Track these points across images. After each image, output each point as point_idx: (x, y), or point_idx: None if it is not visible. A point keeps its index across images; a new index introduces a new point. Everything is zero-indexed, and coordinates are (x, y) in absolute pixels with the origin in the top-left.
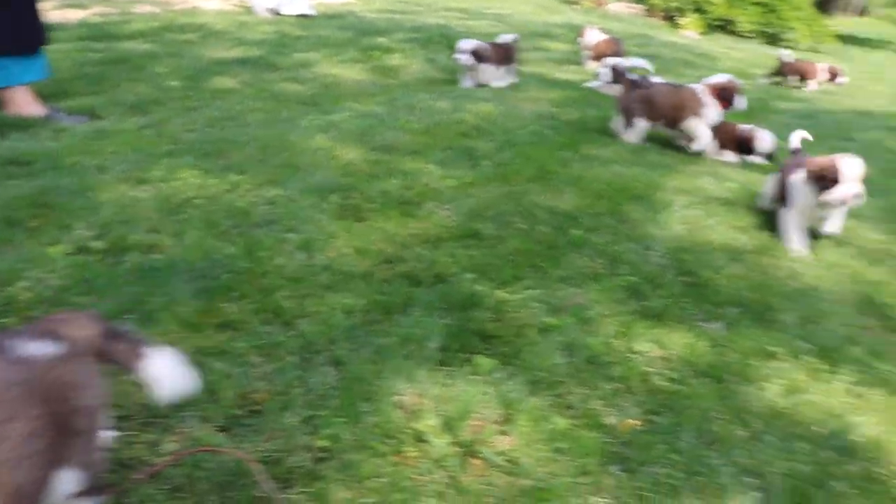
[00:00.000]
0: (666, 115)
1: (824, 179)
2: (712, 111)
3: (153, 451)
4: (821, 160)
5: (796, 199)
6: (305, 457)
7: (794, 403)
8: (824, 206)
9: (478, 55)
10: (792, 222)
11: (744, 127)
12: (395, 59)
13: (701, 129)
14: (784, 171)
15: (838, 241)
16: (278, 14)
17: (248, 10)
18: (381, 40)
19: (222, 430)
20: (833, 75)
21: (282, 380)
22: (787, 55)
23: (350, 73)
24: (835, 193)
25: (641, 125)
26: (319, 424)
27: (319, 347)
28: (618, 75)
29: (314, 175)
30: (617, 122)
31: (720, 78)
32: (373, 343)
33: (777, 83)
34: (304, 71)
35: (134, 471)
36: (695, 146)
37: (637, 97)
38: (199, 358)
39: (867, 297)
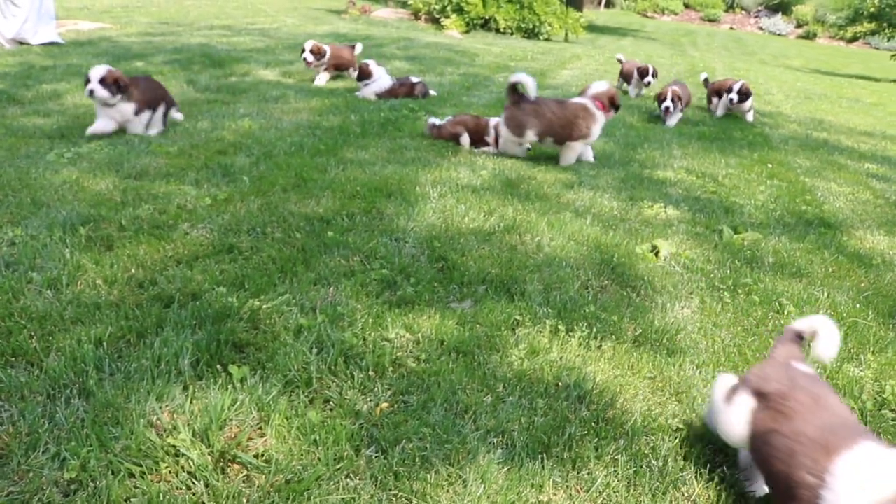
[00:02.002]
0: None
1: None
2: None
3: None
4: None
5: None
6: (54, 492)
7: (535, 364)
8: None
9: (112, 85)
10: None
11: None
12: None
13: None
14: None
15: (579, 211)
16: (23, 44)
17: None
18: (139, 65)
19: None
20: (641, 75)
21: (27, 420)
22: (621, 57)
23: None
24: None
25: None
26: (67, 457)
27: (67, 382)
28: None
29: (60, 210)
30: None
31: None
32: (124, 369)
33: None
34: (51, 103)
35: None
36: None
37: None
38: None
39: (604, 260)
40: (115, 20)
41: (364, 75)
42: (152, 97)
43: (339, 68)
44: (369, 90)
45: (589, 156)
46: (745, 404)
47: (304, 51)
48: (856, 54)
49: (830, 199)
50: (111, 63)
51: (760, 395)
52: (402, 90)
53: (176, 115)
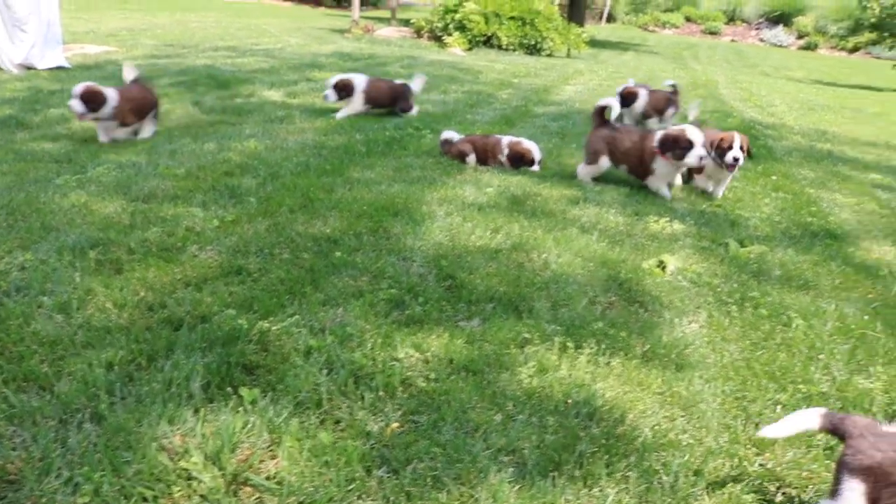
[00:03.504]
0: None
1: None
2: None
3: None
4: None
5: None
6: None
7: (544, 382)
8: None
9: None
10: None
11: (512, 140)
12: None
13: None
14: None
15: (585, 227)
16: (30, 68)
17: None
18: None
19: None
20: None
21: (39, 445)
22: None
23: None
24: None
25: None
26: (80, 483)
27: (79, 406)
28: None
29: (69, 234)
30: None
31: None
32: (135, 393)
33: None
34: (59, 127)
35: None
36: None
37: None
38: None
39: (611, 276)
40: (120, 43)
41: (349, 91)
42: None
43: (140, 114)
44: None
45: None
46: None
47: (72, 97)
48: (858, 64)
49: (836, 211)
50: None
51: None
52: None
53: None
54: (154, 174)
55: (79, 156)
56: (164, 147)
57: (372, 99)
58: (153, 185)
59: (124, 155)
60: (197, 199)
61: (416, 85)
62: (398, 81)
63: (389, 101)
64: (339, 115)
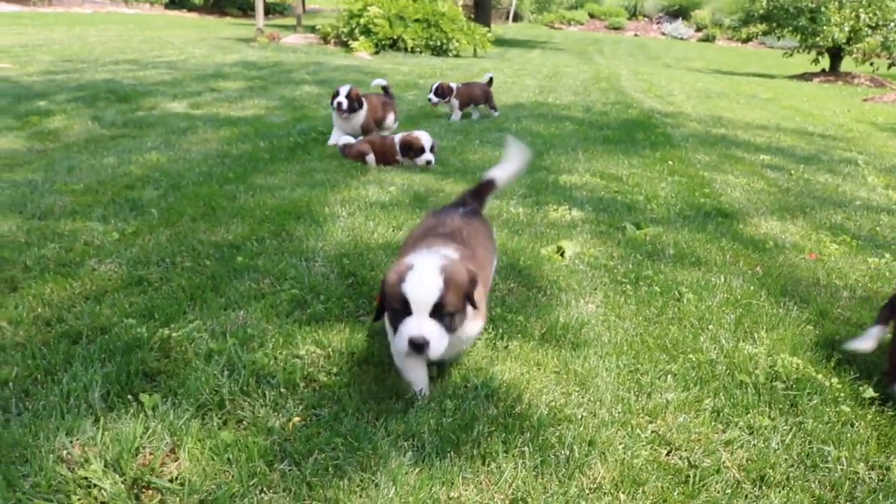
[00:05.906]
0: None
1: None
2: None
3: None
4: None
5: None
6: None
7: (443, 369)
8: None
9: None
10: None
11: (402, 134)
12: (55, 122)
13: None
14: None
15: (488, 217)
16: None
17: None
18: (41, 104)
19: None
20: None
21: None
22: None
23: (3, 142)
24: None
25: None
26: None
27: None
28: None
29: None
30: None
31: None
32: (31, 407)
33: None
34: None
35: None
36: None
37: None
38: None
39: (511, 264)
40: (14, 60)
41: None
42: None
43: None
44: None
45: None
46: None
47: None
48: (753, 54)
49: (728, 191)
50: (10, 104)
51: None
52: None
53: None
54: (51, 191)
55: None
56: (62, 163)
57: None
58: (50, 202)
59: (19, 173)
60: (96, 214)
61: None
62: None
63: None
64: None
